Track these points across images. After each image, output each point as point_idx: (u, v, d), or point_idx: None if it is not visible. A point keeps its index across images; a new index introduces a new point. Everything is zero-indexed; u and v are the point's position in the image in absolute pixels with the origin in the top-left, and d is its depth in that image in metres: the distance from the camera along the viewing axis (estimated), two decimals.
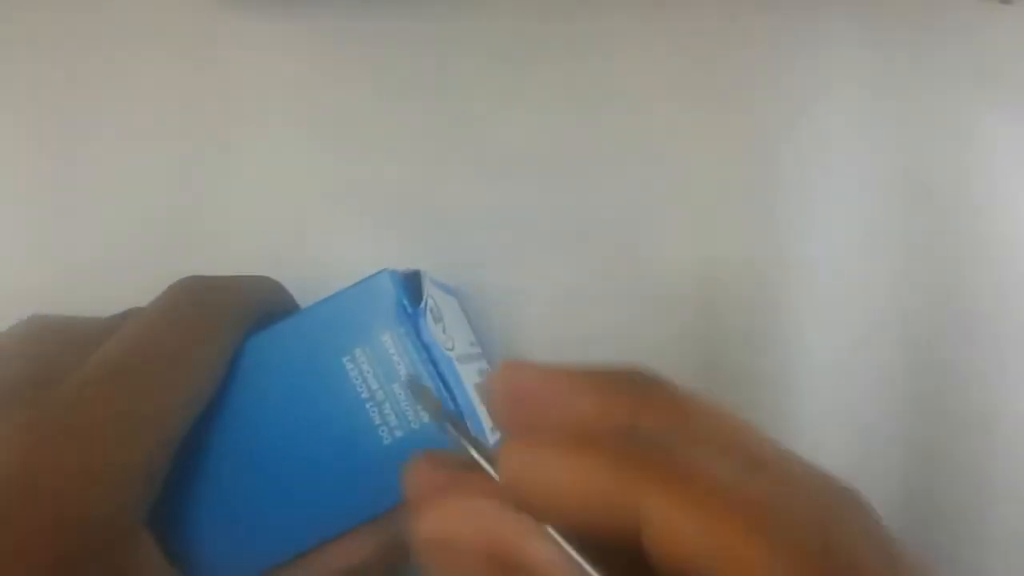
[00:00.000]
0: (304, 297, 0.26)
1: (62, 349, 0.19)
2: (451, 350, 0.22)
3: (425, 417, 0.20)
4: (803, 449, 0.28)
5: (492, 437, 0.21)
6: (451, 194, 0.29)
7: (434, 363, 0.20)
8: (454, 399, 0.21)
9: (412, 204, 0.29)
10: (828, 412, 0.29)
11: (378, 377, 0.20)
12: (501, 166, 0.29)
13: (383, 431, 0.20)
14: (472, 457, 0.16)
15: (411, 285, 0.22)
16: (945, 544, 0.28)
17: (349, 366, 0.20)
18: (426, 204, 0.29)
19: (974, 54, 0.30)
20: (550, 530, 0.14)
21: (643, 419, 0.14)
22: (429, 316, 0.21)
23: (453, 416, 0.19)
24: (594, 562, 0.13)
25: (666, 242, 0.29)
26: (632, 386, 0.15)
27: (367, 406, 0.20)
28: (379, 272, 0.21)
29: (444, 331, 0.22)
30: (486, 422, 0.21)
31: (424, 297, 0.21)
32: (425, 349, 0.20)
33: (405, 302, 0.20)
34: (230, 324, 0.20)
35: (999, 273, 0.29)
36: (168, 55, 0.29)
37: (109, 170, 0.29)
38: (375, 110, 0.29)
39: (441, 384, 0.20)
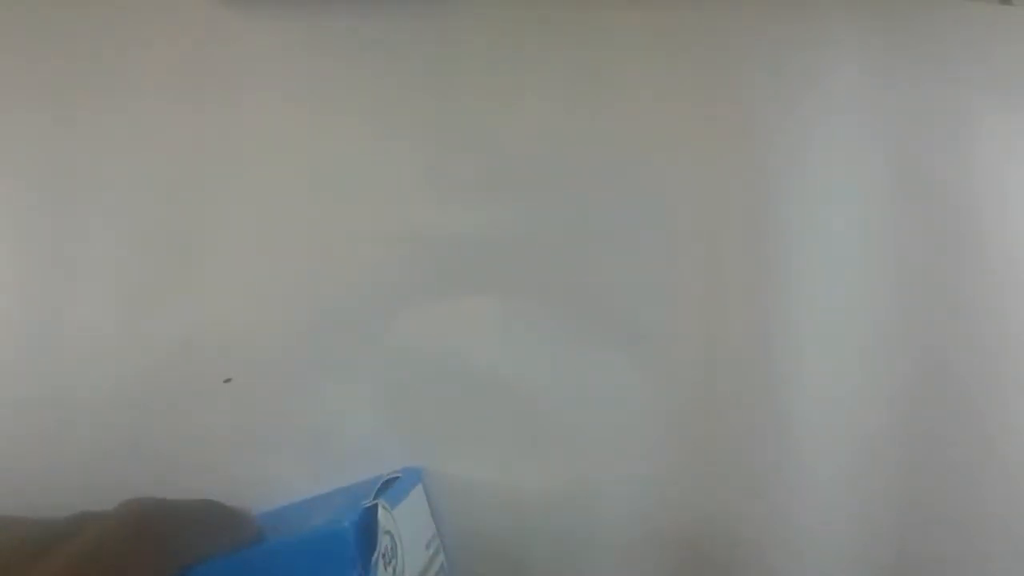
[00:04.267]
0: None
1: (15, 547, 0.19)
2: None
3: None
4: (804, 451, 0.28)
5: None
6: (448, 198, 0.29)
7: None
8: None
9: (411, 201, 0.29)
10: (827, 413, 0.29)
11: None
12: (500, 169, 0.29)
13: None
14: None
15: (366, 533, 0.21)
16: (945, 544, 0.28)
17: None
18: (425, 203, 0.29)
19: (974, 54, 0.31)
20: None
21: None
22: (380, 565, 0.21)
23: None
24: None
25: (668, 241, 0.29)
26: None
27: None
28: (339, 527, 0.20)
29: (395, 571, 0.22)
30: None
31: (377, 547, 0.21)
32: None
33: (358, 562, 0.20)
34: (171, 558, 0.20)
35: (999, 272, 0.30)
36: (167, 53, 0.29)
37: (107, 168, 0.29)
38: (375, 109, 0.29)
39: None
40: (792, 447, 0.28)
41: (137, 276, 0.28)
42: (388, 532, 0.22)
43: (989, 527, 0.28)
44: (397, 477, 0.26)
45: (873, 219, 0.29)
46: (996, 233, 0.30)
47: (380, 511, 0.22)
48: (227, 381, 0.28)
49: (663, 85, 0.30)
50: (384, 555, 0.21)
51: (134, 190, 0.28)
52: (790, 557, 0.28)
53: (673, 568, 0.28)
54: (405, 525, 0.24)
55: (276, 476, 0.27)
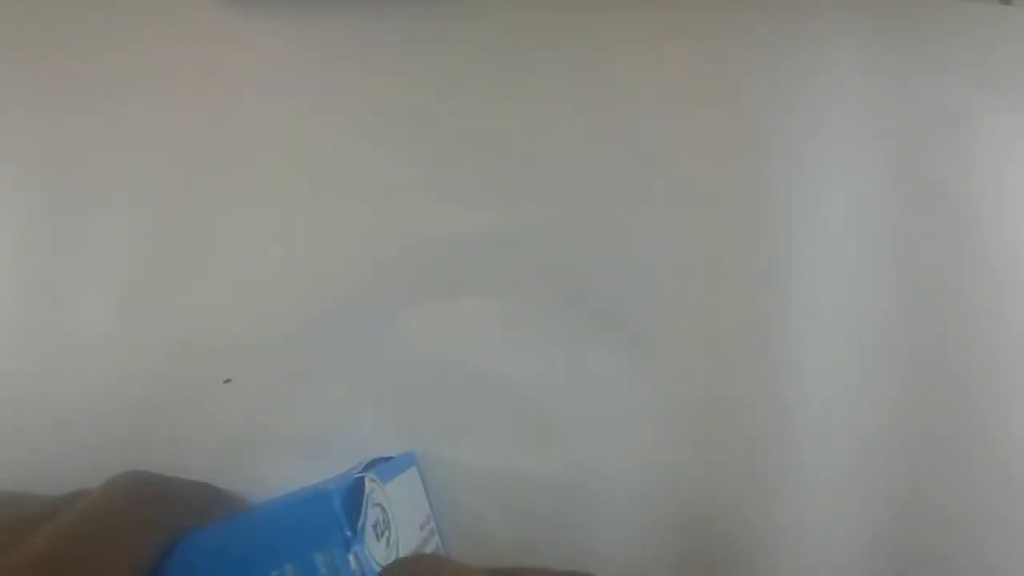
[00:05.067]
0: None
1: (14, 519, 0.20)
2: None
3: None
4: (804, 449, 0.28)
5: None
6: (448, 198, 0.29)
7: None
8: None
9: (412, 201, 0.29)
10: (827, 413, 0.29)
11: None
12: (501, 170, 0.29)
13: None
14: None
15: (353, 501, 0.21)
16: (945, 544, 0.28)
17: None
18: (425, 203, 0.29)
19: (974, 54, 0.31)
20: None
21: None
22: (370, 534, 0.21)
23: None
24: None
25: (668, 241, 0.29)
26: None
27: None
28: (324, 489, 0.20)
29: (388, 542, 0.22)
30: None
31: (362, 517, 0.21)
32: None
33: (345, 526, 0.20)
34: (161, 529, 0.20)
35: (999, 272, 0.30)
36: (167, 53, 0.29)
37: (107, 168, 0.29)
38: (375, 109, 0.29)
39: None
40: (792, 447, 0.28)
41: (137, 276, 0.28)
42: (379, 504, 0.22)
43: (989, 527, 0.28)
44: (390, 457, 0.26)
45: (873, 219, 0.29)
46: (996, 233, 0.30)
47: (369, 483, 0.22)
48: (227, 381, 0.28)
49: (663, 85, 0.30)
50: (376, 526, 0.21)
51: (134, 190, 0.29)
52: (790, 556, 0.28)
53: (673, 561, 0.28)
54: (398, 502, 0.24)
55: (276, 476, 0.27)
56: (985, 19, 0.31)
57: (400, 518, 0.23)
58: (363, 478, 0.22)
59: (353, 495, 0.21)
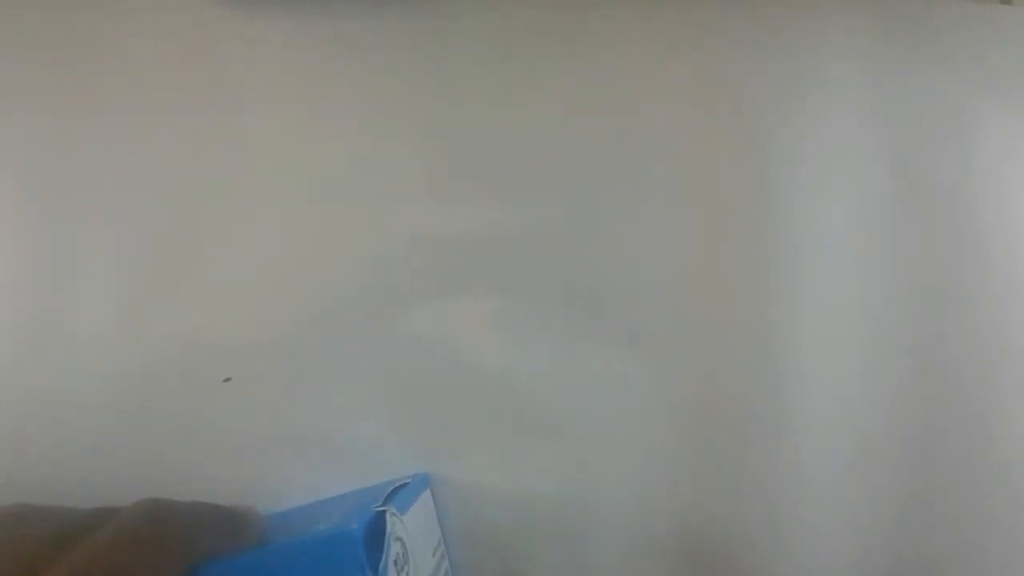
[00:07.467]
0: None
1: (39, 539, 0.20)
2: None
3: None
4: (804, 450, 0.28)
5: None
6: (448, 198, 0.29)
7: None
8: None
9: (412, 201, 0.29)
10: (827, 413, 0.29)
11: None
12: (501, 170, 0.29)
13: None
14: None
15: (375, 538, 0.21)
16: (945, 544, 0.28)
17: None
18: (425, 203, 0.29)
19: (974, 54, 0.31)
20: None
21: None
22: (391, 570, 0.21)
23: None
24: None
25: (668, 242, 0.29)
26: None
27: None
28: (346, 528, 0.20)
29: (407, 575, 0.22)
30: None
31: (385, 553, 0.21)
32: None
33: (366, 566, 0.20)
34: (180, 554, 0.20)
35: (998, 272, 0.30)
36: (167, 53, 0.29)
37: (107, 168, 0.29)
38: (376, 109, 0.29)
39: None
40: (792, 447, 0.28)
41: (137, 276, 0.28)
42: (399, 539, 0.22)
43: (989, 526, 0.29)
44: (407, 483, 0.26)
45: (873, 219, 0.29)
46: (995, 233, 0.30)
47: (391, 518, 0.22)
48: (227, 381, 0.28)
49: (663, 85, 0.30)
50: (396, 562, 0.21)
51: (134, 190, 0.28)
52: (790, 556, 0.28)
53: (675, 568, 0.28)
54: (415, 532, 0.23)
55: (276, 476, 0.27)
56: (985, 19, 0.31)
57: (416, 548, 0.23)
58: (385, 513, 0.22)
59: (375, 532, 0.21)
